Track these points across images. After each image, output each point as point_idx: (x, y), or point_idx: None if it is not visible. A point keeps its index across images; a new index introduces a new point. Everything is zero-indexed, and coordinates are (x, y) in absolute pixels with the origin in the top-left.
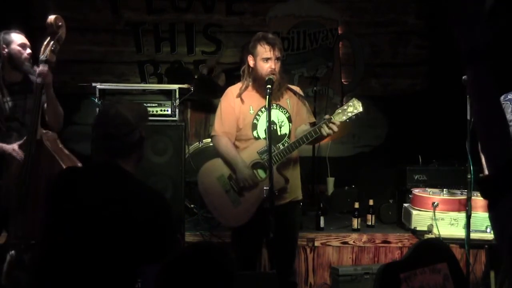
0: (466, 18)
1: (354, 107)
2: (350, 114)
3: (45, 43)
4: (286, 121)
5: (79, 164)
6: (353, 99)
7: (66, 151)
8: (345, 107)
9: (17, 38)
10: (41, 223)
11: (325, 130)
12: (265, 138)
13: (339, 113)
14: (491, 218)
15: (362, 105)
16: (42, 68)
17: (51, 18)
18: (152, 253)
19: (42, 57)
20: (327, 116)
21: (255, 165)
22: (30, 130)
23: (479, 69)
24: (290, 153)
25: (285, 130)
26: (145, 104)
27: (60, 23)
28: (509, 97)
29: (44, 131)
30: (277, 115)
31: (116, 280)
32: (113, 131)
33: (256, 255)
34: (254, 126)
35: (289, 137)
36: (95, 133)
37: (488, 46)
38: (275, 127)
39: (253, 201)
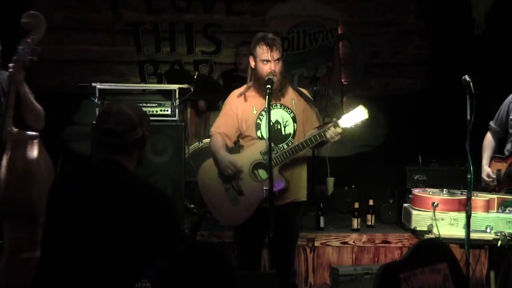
0: None
1: (360, 113)
2: (355, 121)
3: (22, 40)
4: (290, 120)
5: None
6: (360, 106)
7: (43, 156)
8: (351, 114)
9: None
10: (43, 225)
11: (329, 135)
12: (268, 138)
13: (345, 119)
14: None
15: (368, 112)
16: (12, 66)
17: (25, 14)
18: (156, 249)
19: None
20: (334, 120)
21: (257, 165)
22: None
23: None
24: (293, 155)
25: (289, 129)
26: (145, 104)
27: (34, 21)
28: None
29: (16, 131)
30: (282, 115)
31: (120, 277)
32: (115, 127)
33: (259, 255)
34: (258, 126)
35: (293, 137)
36: (97, 130)
37: None
38: (279, 127)
39: (252, 201)
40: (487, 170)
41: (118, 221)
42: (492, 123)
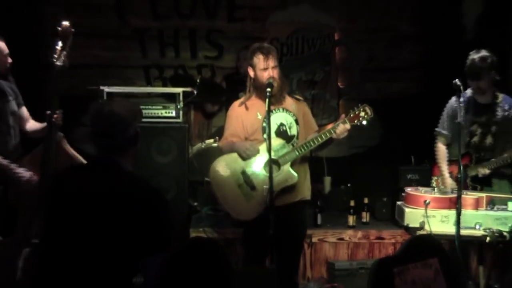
0: None
1: (366, 112)
2: (362, 119)
3: (59, 48)
4: (293, 123)
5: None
6: (365, 105)
7: (72, 150)
8: (357, 112)
9: (3, 47)
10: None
11: (339, 131)
12: (278, 138)
13: (352, 116)
14: None
15: (373, 111)
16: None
17: (67, 23)
18: (150, 244)
19: (58, 62)
20: (342, 116)
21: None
22: (49, 134)
23: None
24: (305, 151)
25: (293, 131)
26: (150, 107)
27: (72, 29)
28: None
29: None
30: (285, 117)
31: (114, 273)
32: (108, 129)
33: (267, 252)
34: (264, 130)
35: (297, 138)
36: (91, 131)
37: None
38: (284, 128)
39: (265, 196)
40: (450, 183)
41: (111, 218)
42: (441, 130)
